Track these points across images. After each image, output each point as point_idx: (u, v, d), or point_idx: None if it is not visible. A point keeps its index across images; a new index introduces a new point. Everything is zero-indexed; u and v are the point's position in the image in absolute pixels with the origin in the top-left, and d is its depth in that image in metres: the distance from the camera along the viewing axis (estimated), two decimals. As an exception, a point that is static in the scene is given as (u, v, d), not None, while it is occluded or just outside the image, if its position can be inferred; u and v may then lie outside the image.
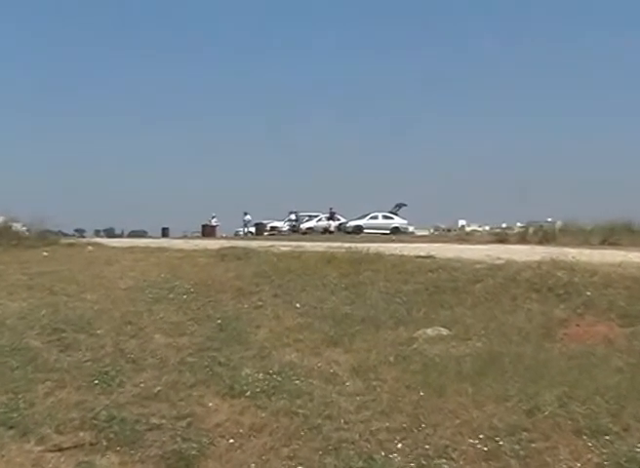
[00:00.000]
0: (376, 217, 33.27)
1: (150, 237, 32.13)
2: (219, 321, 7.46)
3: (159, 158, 71.95)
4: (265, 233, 33.73)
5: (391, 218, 33.15)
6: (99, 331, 6.97)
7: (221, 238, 29.73)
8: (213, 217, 35.35)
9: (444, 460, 4.30)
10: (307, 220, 35.44)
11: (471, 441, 4.45)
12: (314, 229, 33.53)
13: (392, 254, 10.76)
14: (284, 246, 14.06)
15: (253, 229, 35.87)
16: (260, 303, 8.26)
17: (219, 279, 9.37)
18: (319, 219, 34.88)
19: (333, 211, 33.83)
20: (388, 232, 30.82)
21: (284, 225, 35.83)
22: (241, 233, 35.51)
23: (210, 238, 26.85)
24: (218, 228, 34.32)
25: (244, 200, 72.41)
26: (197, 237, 31.79)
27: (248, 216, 34.87)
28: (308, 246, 13.61)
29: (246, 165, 71.27)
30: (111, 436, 4.75)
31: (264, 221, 36.28)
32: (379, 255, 10.53)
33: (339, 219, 34.67)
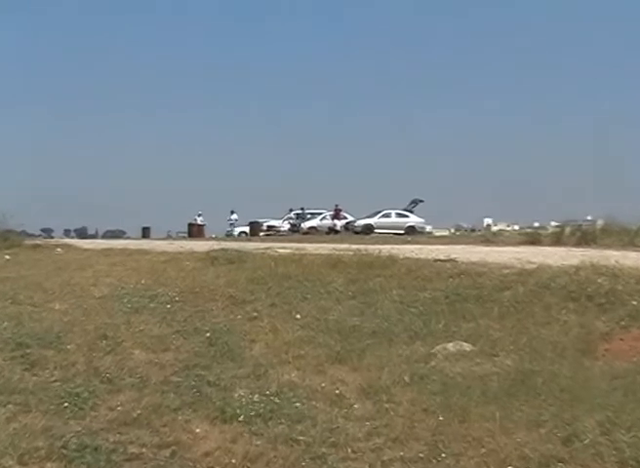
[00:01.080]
0: (388, 216, 33.36)
1: (129, 238, 32.25)
2: (208, 334, 7.49)
3: (140, 152, 73.74)
4: (261, 233, 33.82)
5: (406, 217, 33.24)
6: (69, 347, 6.97)
7: (210, 239, 29.89)
8: (199, 215, 35.48)
9: (467, 495, 4.29)
10: (310, 219, 35.51)
11: (499, 473, 4.43)
12: (318, 229, 33.61)
13: (407, 258, 10.77)
14: (283, 248, 14.08)
15: (244, 229, 36.01)
16: (256, 314, 8.29)
17: (208, 286, 9.39)
18: (323, 218, 34.94)
19: (339, 208, 33.89)
20: (403, 232, 30.90)
21: (283, 224, 35.91)
22: (235, 233, 35.63)
23: (197, 239, 26.96)
24: (206, 228, 34.46)
25: (237, 197, 73.96)
26: (183, 238, 31.92)
27: (234, 216, 35.00)
28: (311, 248, 13.63)
29: (238, 158, 73.21)
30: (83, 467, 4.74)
31: (260, 220, 36.35)
32: (391, 259, 10.54)
33: (345, 218, 34.72)
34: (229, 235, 35.67)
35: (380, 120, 77.75)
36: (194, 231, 32.81)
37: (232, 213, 35.51)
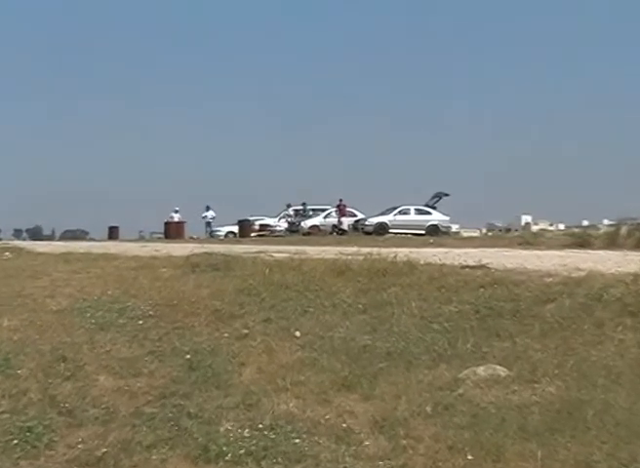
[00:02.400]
0: (406, 212, 33.45)
1: (92, 239, 32.25)
2: (188, 356, 7.51)
3: (102, 138, 74.98)
4: (253, 234, 33.88)
5: (428, 214, 33.31)
6: (20, 371, 6.98)
7: (191, 240, 29.92)
8: (175, 212, 35.51)
9: None
10: (312, 217, 35.55)
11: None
12: (321, 228, 33.64)
13: (429, 263, 10.78)
14: (279, 251, 14.10)
15: (232, 229, 36.02)
16: (246, 331, 8.32)
17: (188, 298, 9.42)
18: (328, 215, 34.97)
19: (342, 203, 33.87)
20: (423, 233, 30.94)
21: (279, 223, 35.97)
22: (220, 234, 35.64)
23: (175, 240, 27.01)
24: (186, 226, 34.52)
25: (222, 190, 74.52)
26: (158, 239, 32.02)
27: (210, 212, 34.88)
28: (313, 251, 13.66)
29: (225, 145, 74.65)
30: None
31: (251, 218, 36.40)
32: (410, 265, 10.56)
33: (354, 215, 34.74)
34: (213, 236, 35.73)
35: (395, 106, 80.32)
36: (171, 231, 32.88)
37: (207, 209, 35.47)
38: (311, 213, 36.48)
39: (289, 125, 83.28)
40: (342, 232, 32.40)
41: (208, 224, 35.18)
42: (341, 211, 33.96)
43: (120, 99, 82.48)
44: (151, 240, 30.87)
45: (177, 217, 35.41)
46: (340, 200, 34.50)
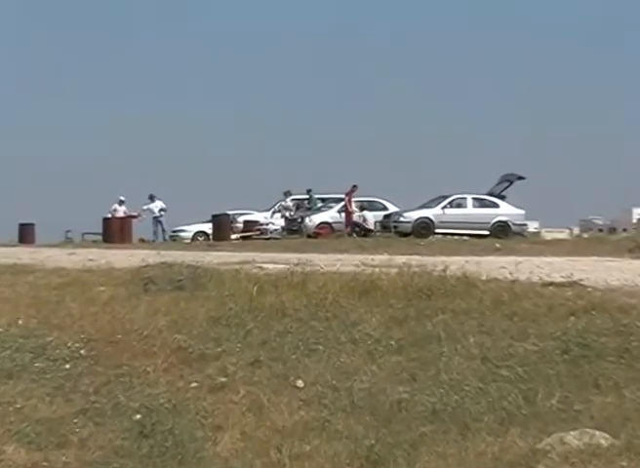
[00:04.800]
0: (460, 204, 33.17)
1: (-4, 244, 32.19)
2: (138, 416, 7.51)
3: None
4: (235, 235, 33.73)
5: (493, 206, 33.02)
6: None
7: (142, 244, 29.66)
8: (120, 203, 35.35)
9: None
10: (321, 209, 35.43)
11: None
12: (334, 227, 33.46)
13: (495, 280, 10.71)
14: (273, 261, 14.01)
15: (203, 228, 35.94)
16: (224, 379, 8.33)
17: (138, 330, 9.41)
18: (342, 208, 34.86)
19: (353, 190, 33.68)
20: (487, 233, 30.73)
21: (273, 219, 35.83)
22: (186, 235, 35.58)
23: (120, 244, 26.92)
24: (136, 224, 34.37)
25: (190, 173, 74.54)
26: (94, 243, 31.86)
27: (157, 203, 34.34)
28: (323, 261, 13.58)
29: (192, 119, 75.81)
30: None
31: (232, 212, 36.34)
32: (467, 282, 10.50)
33: (384, 208, 34.61)
34: (175, 238, 35.67)
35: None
36: (113, 231, 32.61)
37: (152, 199, 35.04)
38: (320, 204, 36.21)
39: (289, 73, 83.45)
40: (367, 232, 32.22)
41: (157, 222, 34.78)
42: (348, 203, 33.57)
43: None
44: (84, 244, 30.59)
45: (122, 211, 35.22)
46: (354, 187, 34.22)
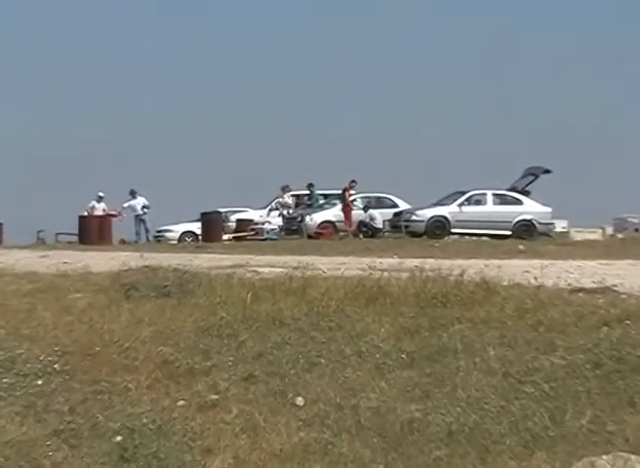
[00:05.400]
0: (479, 201, 33.19)
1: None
2: (118, 438, 7.51)
3: None
4: (227, 236, 33.78)
5: (516, 203, 33.02)
6: None
7: (124, 245, 29.70)
8: (98, 200, 35.38)
9: None
10: (324, 206, 35.42)
11: None
12: (339, 227, 33.49)
13: (518, 285, 10.72)
14: (269, 265, 14.05)
15: (191, 228, 35.94)
16: (215, 397, 8.34)
17: (118, 341, 9.40)
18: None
19: (351, 185, 33.65)
20: (509, 233, 30.74)
21: (269, 218, 35.84)
22: (172, 238, 35.63)
23: (98, 246, 26.94)
24: (116, 223, 34.36)
25: (174, 168, 74.53)
26: (69, 244, 31.89)
27: (139, 200, 34.27)
28: (325, 265, 13.60)
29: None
30: None
31: (224, 210, 36.38)
32: (486, 288, 10.51)
33: (393, 205, 34.63)
34: (160, 239, 35.72)
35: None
36: (91, 231, 32.66)
37: (133, 195, 35.04)
38: (323, 201, 36.24)
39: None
40: (374, 233, 32.25)
41: (140, 221, 34.73)
42: (346, 200, 33.51)
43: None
44: (58, 246, 30.61)
45: (100, 209, 35.26)
46: (352, 182, 34.17)
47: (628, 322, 9.13)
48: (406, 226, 32.11)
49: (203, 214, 34.77)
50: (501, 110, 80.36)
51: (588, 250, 21.37)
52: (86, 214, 35.00)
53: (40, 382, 8.55)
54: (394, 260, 13.83)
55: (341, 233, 32.59)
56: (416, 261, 12.66)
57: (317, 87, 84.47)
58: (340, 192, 34.87)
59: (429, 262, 12.41)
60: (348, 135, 77.78)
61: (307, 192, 36.60)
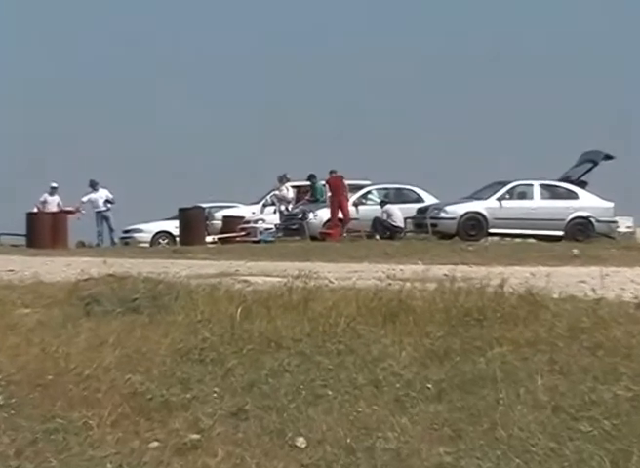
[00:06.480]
0: (524, 194, 33.27)
1: None
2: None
3: None
4: (211, 238, 33.87)
5: (570, 196, 33.01)
6: None
7: (83, 249, 29.72)
8: (52, 191, 35.46)
9: None
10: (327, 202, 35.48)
11: None
12: (348, 226, 33.60)
13: (571, 299, 10.69)
14: (264, 273, 14.08)
15: (165, 228, 36.03)
16: (196, 436, 8.28)
17: (76, 368, 9.38)
18: (365, 198, 34.97)
19: (336, 175, 33.80)
20: (561, 234, 30.77)
21: (263, 215, 35.94)
22: (142, 239, 35.71)
23: (52, 249, 26.98)
24: (72, 221, 34.41)
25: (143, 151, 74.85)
26: (15, 247, 31.98)
27: (101, 193, 34.25)
28: (332, 273, 13.60)
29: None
30: None
31: (207, 205, 36.46)
32: (532, 302, 10.50)
33: (418, 199, 34.68)
34: (128, 241, 35.78)
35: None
36: (42, 231, 32.81)
37: (93, 186, 35.12)
38: (328, 194, 36.24)
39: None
40: (393, 233, 32.33)
41: (103, 218, 34.76)
42: (335, 192, 33.57)
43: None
44: (1, 249, 30.84)
45: (54, 204, 35.30)
46: (332, 172, 34.28)
47: None
48: (433, 225, 32.21)
49: (181, 211, 34.90)
50: (550, 79, 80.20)
51: (629, 253, 21.41)
52: (36, 210, 35.08)
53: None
54: (418, 268, 13.81)
55: (352, 233, 32.65)
56: (445, 269, 12.65)
57: (316, 61, 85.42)
58: (351, 182, 35.08)
59: (462, 270, 12.42)
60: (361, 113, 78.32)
61: (309, 183, 36.67)
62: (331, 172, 34.08)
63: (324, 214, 34.13)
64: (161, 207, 38.93)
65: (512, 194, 32.94)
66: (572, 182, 33.39)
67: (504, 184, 33.18)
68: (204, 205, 36.10)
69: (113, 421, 8.53)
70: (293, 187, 36.14)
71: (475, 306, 10.42)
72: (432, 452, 7.84)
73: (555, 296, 10.70)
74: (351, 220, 33.32)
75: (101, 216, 34.30)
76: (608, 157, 33.62)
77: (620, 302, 10.66)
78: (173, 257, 20.39)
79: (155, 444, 8.17)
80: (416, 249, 22.52)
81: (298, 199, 36.05)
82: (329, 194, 34.13)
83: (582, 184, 33.29)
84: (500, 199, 32.53)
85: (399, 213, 33.19)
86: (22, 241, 34.01)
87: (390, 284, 11.65)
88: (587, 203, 32.70)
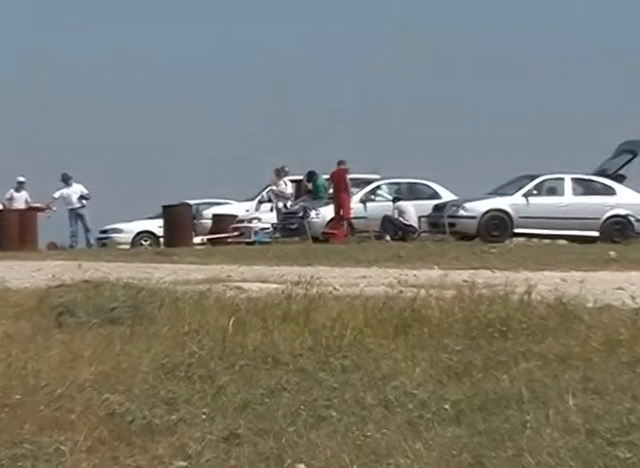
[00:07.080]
0: (554, 190, 33.34)
1: None
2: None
3: None
4: (199, 239, 33.96)
5: (606, 192, 33.04)
6: None
7: (55, 251, 29.83)
8: (19, 186, 35.56)
9: None
10: (330, 199, 35.54)
11: None
12: (354, 225, 33.65)
13: (608, 307, 10.67)
14: (259, 279, 14.09)
15: (148, 227, 36.14)
16: (183, 464, 8.19)
17: (48, 386, 9.39)
18: (373, 194, 35.06)
19: (343, 168, 33.83)
20: (596, 234, 30.81)
21: (259, 214, 36.03)
22: (122, 241, 35.81)
23: (19, 252, 27.05)
24: (42, 219, 34.49)
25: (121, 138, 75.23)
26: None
27: (74, 188, 34.23)
28: (337, 279, 13.61)
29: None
30: None
31: (194, 202, 36.55)
32: (563, 311, 10.48)
33: (434, 195, 34.74)
34: (106, 242, 35.89)
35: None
36: (9, 231, 32.93)
37: (66, 181, 35.16)
38: (331, 190, 36.31)
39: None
40: (405, 233, 32.40)
41: (77, 216, 34.78)
42: (338, 185, 33.59)
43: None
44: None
45: (21, 200, 35.40)
46: (340, 163, 34.30)
47: None
48: (451, 224, 32.30)
49: (165, 208, 34.96)
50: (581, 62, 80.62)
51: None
52: (1, 207, 35.14)
53: None
54: (434, 273, 13.79)
55: (359, 234, 32.71)
56: (464, 274, 12.65)
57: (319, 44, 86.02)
58: (356, 176, 35.14)
59: (483, 275, 12.42)
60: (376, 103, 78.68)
61: (307, 177, 36.75)
62: (339, 162, 34.08)
63: (327, 211, 34.14)
64: (143, 204, 38.97)
65: (541, 189, 32.97)
66: (608, 176, 33.41)
67: (532, 178, 33.21)
68: (191, 202, 36.19)
69: (89, 447, 8.49)
70: (292, 182, 36.18)
71: (498, 316, 10.42)
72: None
73: (589, 305, 10.69)
74: (350, 219, 33.27)
75: (75, 214, 34.38)
76: None
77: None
78: (156, 261, 20.42)
79: (139, 475, 8.15)
80: (431, 251, 22.55)
81: (297, 195, 36.12)
82: (332, 190, 34.17)
83: (620, 178, 33.31)
84: (526, 195, 32.56)
85: (412, 210, 33.25)
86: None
87: (402, 291, 11.63)
88: (626, 199, 32.69)
